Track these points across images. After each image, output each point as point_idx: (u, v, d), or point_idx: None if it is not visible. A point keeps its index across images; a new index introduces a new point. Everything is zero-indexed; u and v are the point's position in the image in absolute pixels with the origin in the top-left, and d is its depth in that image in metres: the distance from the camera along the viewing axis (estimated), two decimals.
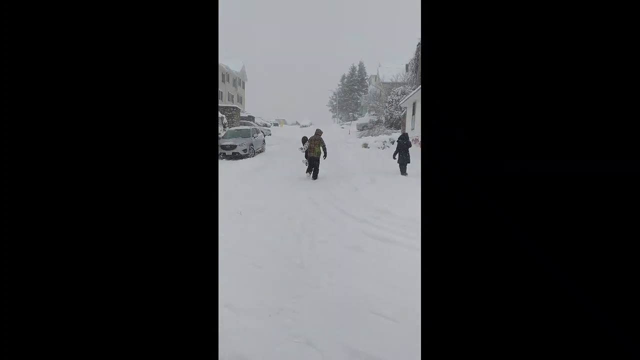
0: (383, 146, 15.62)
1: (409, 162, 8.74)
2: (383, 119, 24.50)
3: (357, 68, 53.71)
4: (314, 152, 8.60)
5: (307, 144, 8.81)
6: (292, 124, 43.54)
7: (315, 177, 8.56)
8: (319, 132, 8.93)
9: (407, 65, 29.48)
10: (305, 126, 36.08)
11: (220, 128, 18.00)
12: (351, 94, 51.87)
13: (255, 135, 13.99)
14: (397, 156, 8.85)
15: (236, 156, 12.35)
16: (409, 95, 17.71)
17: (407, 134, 9.21)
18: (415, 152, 11.69)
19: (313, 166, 8.61)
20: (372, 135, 20.53)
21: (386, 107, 23.86)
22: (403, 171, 8.74)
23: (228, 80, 32.88)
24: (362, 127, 25.98)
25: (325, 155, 8.86)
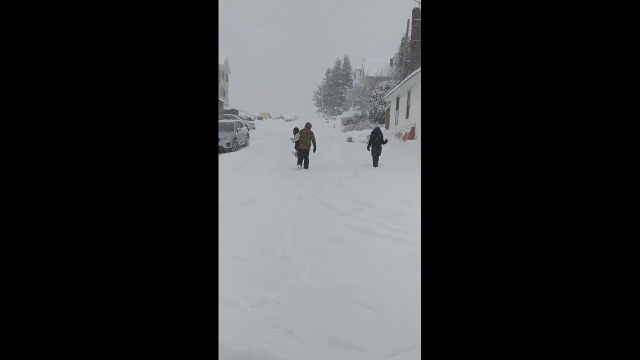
0: (367, 140, 15.76)
1: (379, 155, 9.29)
2: (368, 113, 24.63)
3: (342, 62, 53.64)
4: (305, 144, 9.20)
5: (297, 135, 9.18)
6: (277, 118, 43.25)
7: (306, 166, 9.16)
8: (308, 125, 9.55)
9: (391, 60, 29.63)
10: (290, 120, 35.90)
11: None
12: (336, 88, 51.85)
13: (239, 128, 13.86)
14: (370, 148, 9.40)
15: (220, 150, 12.22)
16: (392, 90, 17.85)
17: (378, 128, 9.74)
18: (407, 148, 11.85)
19: (304, 157, 9.16)
20: (356, 130, 20.64)
21: (370, 101, 23.99)
22: (375, 163, 9.24)
23: None
24: (347, 122, 26.06)
25: (314, 149, 9.40)
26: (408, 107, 15.00)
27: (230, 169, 9.23)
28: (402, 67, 22.25)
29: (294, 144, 9.48)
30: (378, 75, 28.44)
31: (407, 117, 15.08)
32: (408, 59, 21.30)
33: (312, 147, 9.39)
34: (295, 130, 9.54)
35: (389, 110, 19.74)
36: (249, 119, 26.57)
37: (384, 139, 9.40)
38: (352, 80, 48.36)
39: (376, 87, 23.97)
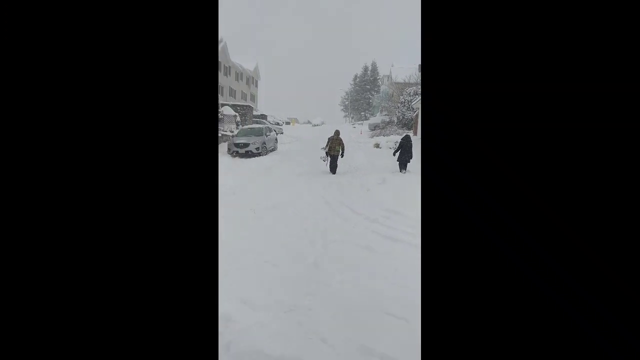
0: (395, 146, 15.60)
1: (408, 161, 9.47)
2: (395, 119, 24.38)
3: (370, 68, 53.48)
4: (334, 150, 9.67)
5: (328, 143, 9.62)
6: (304, 123, 43.62)
7: (334, 172, 9.57)
8: (337, 133, 9.98)
9: (420, 66, 29.24)
10: (317, 125, 36.04)
11: (234, 126, 18.20)
12: (363, 94, 51.68)
13: (268, 133, 14.10)
14: (397, 154, 9.64)
15: (249, 154, 12.48)
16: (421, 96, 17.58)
17: (409, 135, 9.89)
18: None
19: (333, 162, 9.62)
20: (383, 136, 20.46)
21: (398, 107, 23.76)
22: (402, 169, 9.45)
23: (242, 79, 33.15)
24: (374, 127, 25.88)
25: (342, 155, 9.86)
26: None
27: (259, 173, 9.42)
28: None
29: (325, 151, 9.87)
30: (406, 81, 28.14)
31: None
32: None
33: (340, 153, 9.68)
34: (329, 141, 10.02)
35: (417, 116, 19.49)
36: (277, 124, 26.96)
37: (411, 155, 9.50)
38: (379, 86, 48.09)
39: (404, 93, 23.72)
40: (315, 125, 35.93)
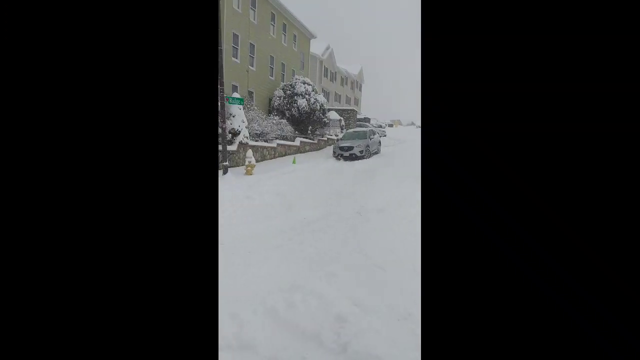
0: None
1: None
2: None
3: None
4: None
5: None
6: (408, 125, 42.43)
7: None
8: None
9: None
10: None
11: (338, 130, 18.75)
12: None
13: (371, 136, 14.12)
14: None
15: (353, 157, 12.67)
16: None
17: None
18: None
19: None
20: None
21: None
22: None
23: (346, 84, 33.95)
24: None
25: None
26: None
27: (361, 176, 9.47)
28: None
29: None
30: None
31: None
32: None
33: None
34: None
35: None
36: (380, 126, 26.79)
37: None
38: None
39: None
40: (419, 127, 34.62)
